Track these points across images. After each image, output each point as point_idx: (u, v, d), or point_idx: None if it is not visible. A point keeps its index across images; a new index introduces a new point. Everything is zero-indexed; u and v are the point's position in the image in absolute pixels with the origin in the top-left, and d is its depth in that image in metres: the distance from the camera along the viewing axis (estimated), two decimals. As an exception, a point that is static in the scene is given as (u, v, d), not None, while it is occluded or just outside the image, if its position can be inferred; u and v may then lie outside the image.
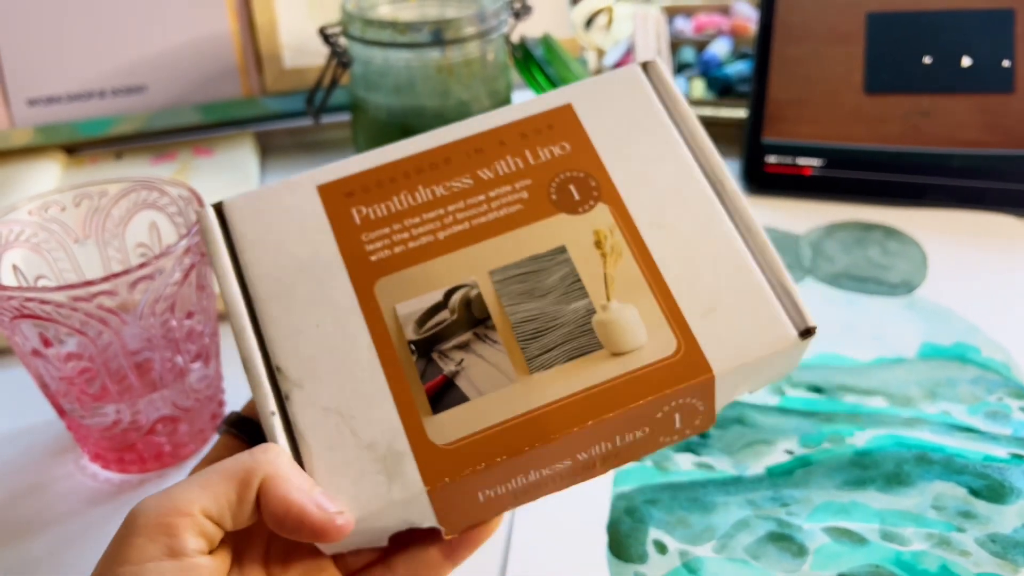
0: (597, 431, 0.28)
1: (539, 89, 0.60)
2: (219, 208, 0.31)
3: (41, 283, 0.41)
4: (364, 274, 0.30)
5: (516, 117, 0.33)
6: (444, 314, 0.29)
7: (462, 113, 0.58)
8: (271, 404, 0.28)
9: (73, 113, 0.66)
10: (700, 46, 0.79)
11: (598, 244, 0.30)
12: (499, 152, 0.32)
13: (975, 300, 0.51)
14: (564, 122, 0.32)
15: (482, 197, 0.31)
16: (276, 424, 0.27)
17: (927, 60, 0.61)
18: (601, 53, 0.79)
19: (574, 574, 0.36)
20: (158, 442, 0.41)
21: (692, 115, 0.32)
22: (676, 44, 0.79)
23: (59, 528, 0.39)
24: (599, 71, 0.77)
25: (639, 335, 0.29)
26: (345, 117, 0.70)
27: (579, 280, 0.30)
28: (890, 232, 0.58)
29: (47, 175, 0.64)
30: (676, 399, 0.28)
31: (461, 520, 0.29)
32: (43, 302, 0.35)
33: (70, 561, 0.38)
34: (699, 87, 0.74)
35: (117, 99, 0.67)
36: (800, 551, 0.36)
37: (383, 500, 0.26)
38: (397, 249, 0.30)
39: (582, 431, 0.27)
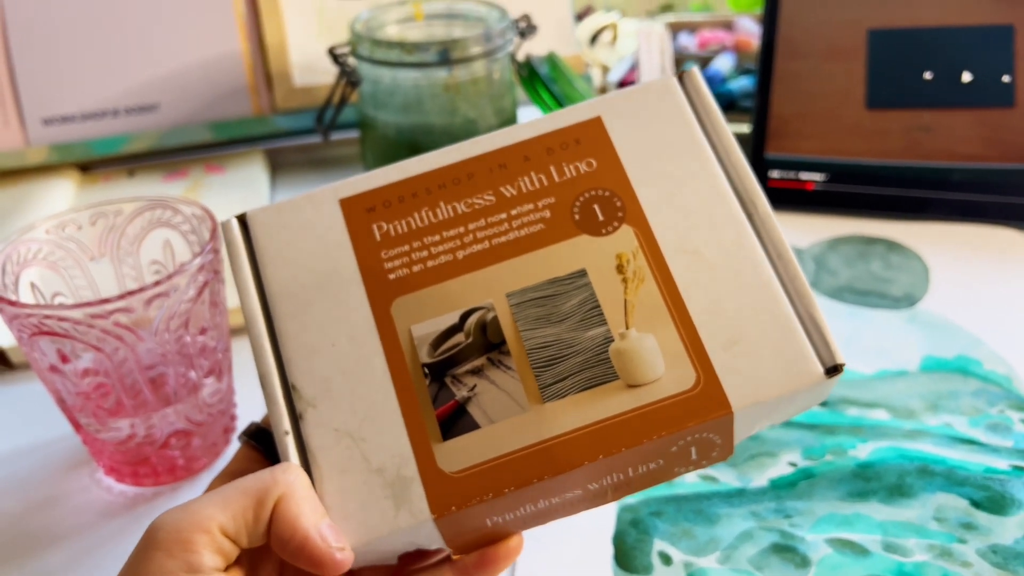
0: (609, 464, 0.27)
1: (544, 107, 0.61)
2: (242, 220, 0.31)
3: (58, 300, 0.41)
4: (382, 293, 0.29)
5: (543, 130, 0.31)
6: (459, 337, 0.29)
7: (469, 131, 0.59)
8: (285, 423, 0.28)
9: (87, 132, 0.67)
10: (704, 62, 0.80)
11: (620, 268, 0.29)
12: (523, 168, 0.31)
13: (977, 313, 0.51)
14: (592, 137, 0.31)
15: (503, 215, 0.30)
16: (289, 444, 0.28)
17: (928, 76, 0.61)
18: (606, 70, 0.80)
19: (580, 585, 0.36)
20: (172, 456, 0.42)
21: (727, 130, 0.31)
22: (680, 60, 0.80)
23: (74, 540, 0.40)
24: (604, 88, 0.78)
25: (657, 367, 0.28)
26: (354, 134, 0.71)
27: (598, 306, 0.29)
28: (892, 246, 0.58)
29: (62, 193, 0.65)
30: (692, 435, 0.28)
31: (469, 542, 0.29)
32: (61, 319, 0.36)
33: (85, 573, 0.38)
34: (703, 103, 0.75)
35: (130, 117, 0.68)
36: (803, 562, 0.37)
37: (389, 526, 0.27)
38: (416, 268, 0.30)
39: (593, 465, 0.27)
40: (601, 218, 0.30)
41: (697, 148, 0.31)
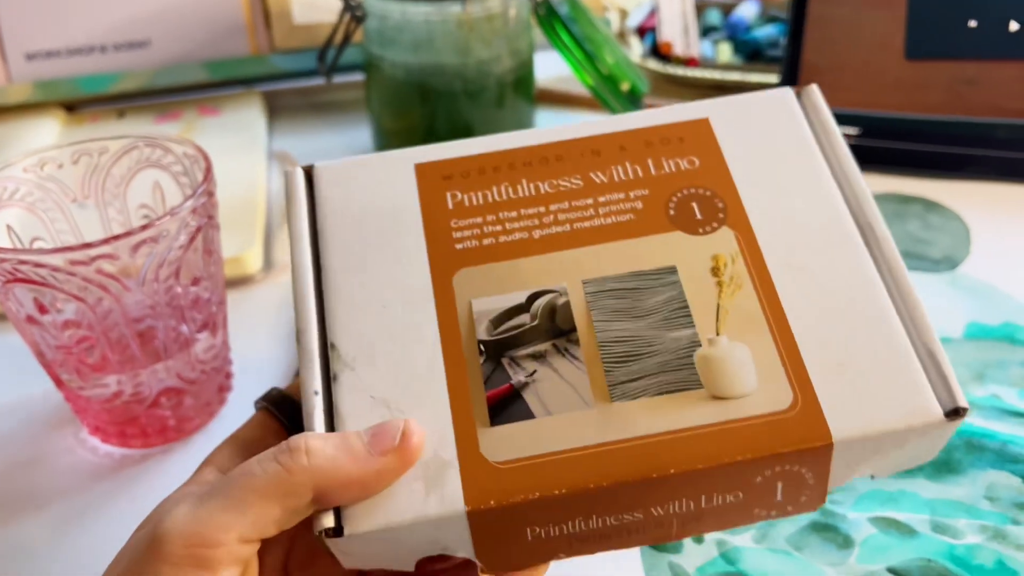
0: (680, 484, 0.24)
1: (563, 49, 0.57)
2: (308, 172, 0.30)
3: (37, 245, 0.38)
4: (445, 261, 0.27)
5: (644, 124, 0.29)
6: (524, 318, 0.26)
7: (482, 72, 0.55)
8: (316, 383, 0.25)
9: (73, 68, 0.63)
10: (727, 9, 0.76)
11: (715, 271, 0.26)
12: (618, 157, 0.29)
13: (1023, 278, 0.48)
14: (697, 136, 0.29)
15: (590, 201, 0.28)
16: (317, 405, 0.25)
17: (972, 24, 0.58)
18: (624, 14, 0.76)
19: (606, 564, 0.34)
20: (162, 416, 0.39)
21: (846, 149, 0.29)
22: (701, 6, 0.76)
23: (57, 505, 0.37)
24: (622, 32, 0.74)
25: (748, 380, 0.25)
26: (358, 76, 0.67)
27: (686, 306, 0.26)
28: (930, 205, 0.55)
29: (45, 133, 0.61)
30: (782, 464, 0.24)
31: (502, 557, 0.25)
32: (38, 265, 0.32)
33: (69, 539, 0.36)
34: (726, 51, 0.71)
35: (119, 54, 0.64)
36: (846, 542, 0.34)
37: (416, 513, 0.23)
38: (486, 241, 0.27)
39: (660, 480, 0.23)
40: (699, 216, 0.27)
41: (811, 160, 0.28)
